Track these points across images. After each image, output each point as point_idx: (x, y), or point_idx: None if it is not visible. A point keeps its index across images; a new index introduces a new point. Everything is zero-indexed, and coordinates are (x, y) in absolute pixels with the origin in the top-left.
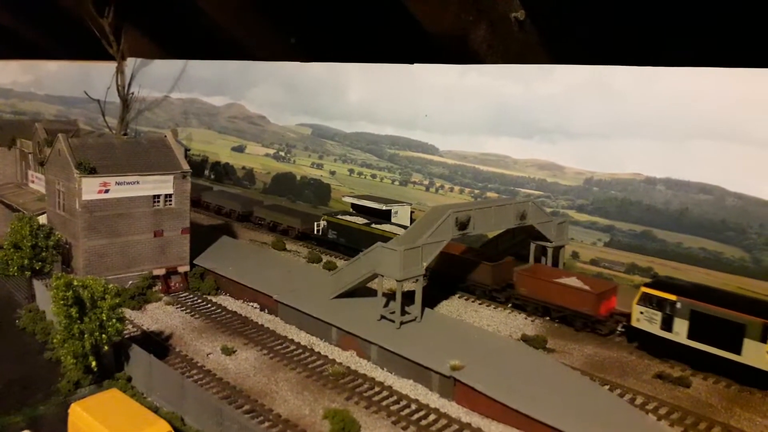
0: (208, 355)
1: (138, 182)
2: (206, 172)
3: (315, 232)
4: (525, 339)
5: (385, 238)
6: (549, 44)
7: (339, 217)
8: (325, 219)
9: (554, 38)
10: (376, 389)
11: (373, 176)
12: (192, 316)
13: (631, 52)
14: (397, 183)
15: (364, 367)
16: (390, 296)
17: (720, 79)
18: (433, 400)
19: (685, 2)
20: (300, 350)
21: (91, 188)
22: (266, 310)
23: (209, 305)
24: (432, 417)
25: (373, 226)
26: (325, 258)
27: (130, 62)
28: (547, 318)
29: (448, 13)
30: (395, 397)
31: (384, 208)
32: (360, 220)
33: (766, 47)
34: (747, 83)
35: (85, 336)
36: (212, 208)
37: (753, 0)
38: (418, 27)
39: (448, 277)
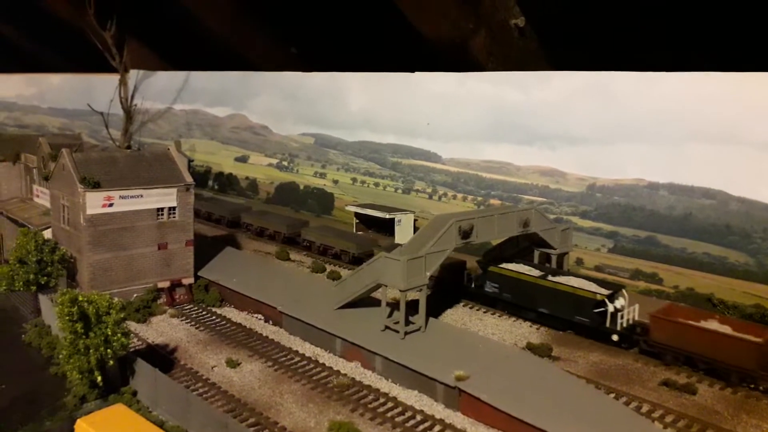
0: (213, 367)
1: (142, 196)
2: (210, 183)
3: (465, 282)
4: (530, 347)
5: (574, 295)
6: (549, 51)
7: (503, 266)
8: (484, 267)
9: (554, 45)
10: (381, 400)
11: (376, 185)
12: (197, 328)
13: (631, 58)
14: (400, 191)
15: (369, 378)
16: (394, 306)
17: (721, 84)
18: (439, 410)
19: (685, 7)
20: (305, 362)
21: (95, 202)
22: (271, 322)
23: (214, 317)
24: (437, 428)
25: (552, 279)
26: (329, 268)
27: (133, 74)
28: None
29: (447, 21)
30: (400, 408)
31: (387, 216)
32: (534, 272)
33: (766, 50)
34: (748, 87)
35: (91, 351)
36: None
37: (753, 4)
38: (418, 35)
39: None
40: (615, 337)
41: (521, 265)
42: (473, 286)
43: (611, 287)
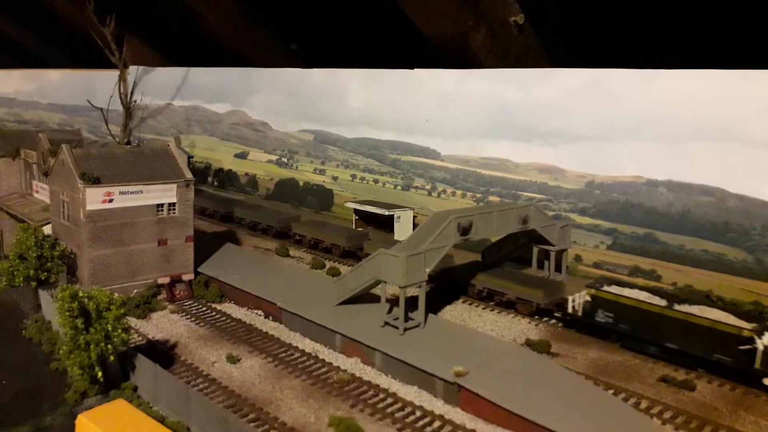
0: (213, 363)
1: (142, 191)
2: (209, 179)
3: (571, 310)
4: (529, 343)
5: (713, 330)
6: (548, 48)
7: (618, 292)
8: (591, 293)
9: (553, 42)
10: (381, 396)
11: (376, 181)
12: (197, 324)
13: (630, 55)
14: (399, 188)
15: (369, 373)
16: (394, 302)
17: (719, 81)
18: (438, 406)
19: (682, 5)
20: (304, 357)
21: (95, 198)
22: (270, 318)
23: (214, 313)
24: (437, 423)
25: (681, 308)
26: (328, 264)
27: (133, 70)
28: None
29: (447, 18)
30: (400, 404)
31: (387, 213)
32: (655, 299)
33: (764, 48)
34: (746, 84)
35: (91, 347)
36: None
37: (750, 2)
38: (418, 33)
39: None
40: None
41: (636, 290)
42: (580, 314)
43: (758, 319)
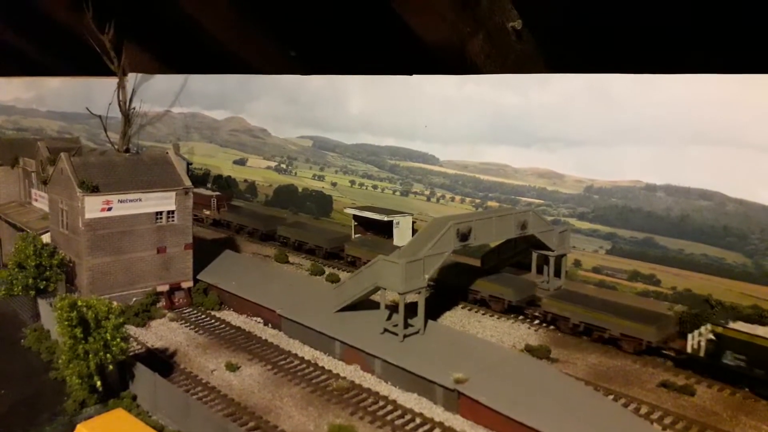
0: (212, 371)
1: (140, 199)
2: (208, 185)
3: (690, 349)
4: (528, 349)
5: None
6: (546, 53)
7: (748, 331)
8: (716, 331)
9: (551, 47)
10: (381, 403)
11: (374, 187)
12: (196, 332)
13: (628, 60)
14: (398, 193)
15: (369, 381)
16: (393, 309)
17: (718, 85)
18: (438, 413)
19: (681, 9)
20: (304, 365)
21: (93, 207)
22: (270, 325)
23: (213, 321)
24: (437, 431)
25: None
26: (327, 270)
27: (131, 77)
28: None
29: (445, 24)
30: (400, 411)
31: (386, 219)
32: None
33: (763, 53)
34: (745, 88)
35: (90, 356)
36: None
37: (749, 6)
38: (416, 39)
39: None
40: None
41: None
42: (702, 354)
43: None
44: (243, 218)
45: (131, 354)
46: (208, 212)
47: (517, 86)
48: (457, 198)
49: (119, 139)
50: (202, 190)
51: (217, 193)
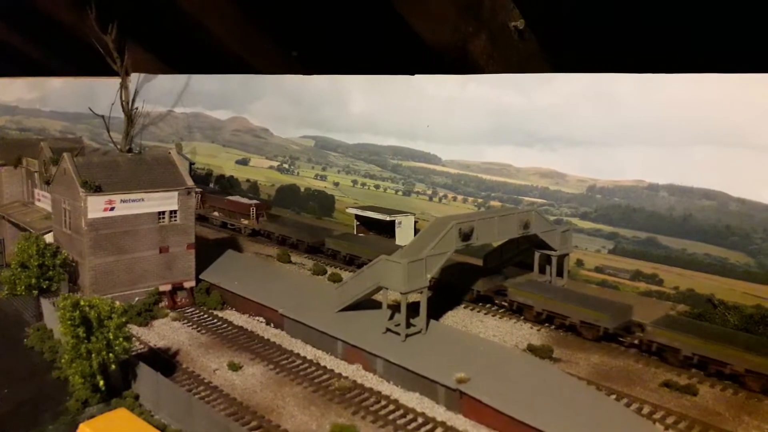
0: (214, 371)
1: (143, 199)
2: (211, 185)
3: None
4: (531, 349)
5: None
6: (549, 53)
7: None
8: None
9: (554, 47)
10: (383, 403)
11: (377, 187)
12: (198, 331)
13: (631, 59)
14: (400, 193)
15: (370, 380)
16: (395, 308)
17: (721, 85)
18: (440, 413)
19: (683, 9)
20: (306, 364)
21: (96, 206)
22: (272, 324)
23: (215, 320)
24: (439, 430)
25: None
26: (329, 270)
27: (134, 78)
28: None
29: (447, 24)
30: (402, 411)
31: (388, 219)
32: None
33: (765, 52)
34: (748, 88)
35: (93, 355)
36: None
37: (752, 7)
38: (419, 39)
39: None
40: None
41: None
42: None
43: None
44: (286, 228)
45: (134, 353)
46: (246, 222)
47: (520, 86)
48: (460, 198)
49: (122, 139)
50: (239, 198)
51: (256, 201)
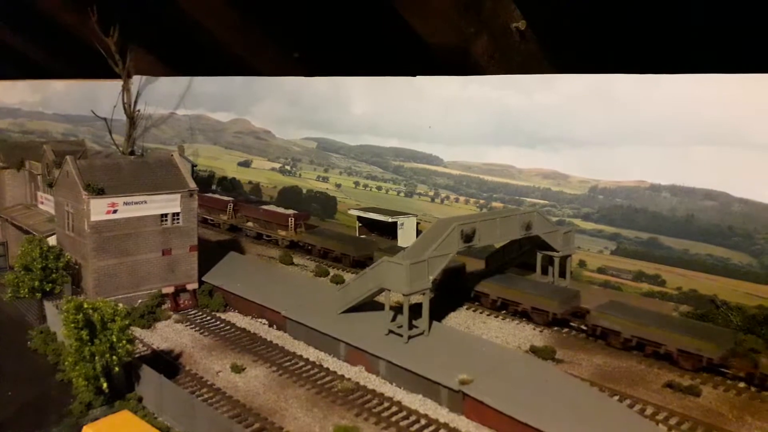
0: (217, 373)
1: (146, 202)
2: (213, 187)
3: None
4: (533, 350)
5: None
6: (550, 54)
7: None
8: None
9: (556, 48)
10: (386, 404)
11: (379, 188)
12: (201, 333)
13: (632, 60)
14: (402, 194)
15: (373, 382)
16: (398, 310)
17: (722, 85)
18: (443, 414)
19: (683, 9)
20: (309, 366)
21: (99, 209)
22: (275, 326)
23: (218, 322)
24: None
25: None
26: (332, 272)
27: (136, 80)
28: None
29: (449, 25)
30: (404, 413)
31: (390, 220)
32: None
33: (766, 52)
34: (749, 88)
35: (96, 358)
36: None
37: (752, 7)
38: (420, 40)
39: None
40: None
41: None
42: None
43: None
44: (329, 241)
45: (137, 356)
46: (283, 233)
47: (521, 87)
48: (462, 199)
49: (124, 141)
50: (274, 207)
51: (294, 210)
